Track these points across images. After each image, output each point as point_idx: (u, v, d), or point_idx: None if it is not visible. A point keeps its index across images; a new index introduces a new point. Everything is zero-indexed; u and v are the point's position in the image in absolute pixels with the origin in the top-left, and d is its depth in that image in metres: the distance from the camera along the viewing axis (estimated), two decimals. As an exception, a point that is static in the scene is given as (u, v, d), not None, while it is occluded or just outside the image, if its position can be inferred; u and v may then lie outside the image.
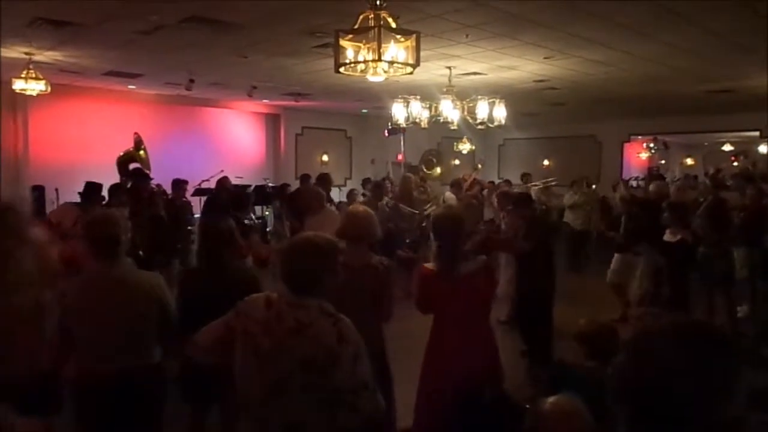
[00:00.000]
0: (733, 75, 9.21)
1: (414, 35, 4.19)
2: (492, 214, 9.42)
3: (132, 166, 8.43)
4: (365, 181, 12.08)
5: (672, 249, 5.80)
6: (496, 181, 12.77)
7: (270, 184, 12.73)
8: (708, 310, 6.59)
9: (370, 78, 4.39)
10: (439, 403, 3.28)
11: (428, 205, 10.20)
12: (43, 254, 0.96)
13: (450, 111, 7.99)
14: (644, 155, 17.69)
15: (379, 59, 4.05)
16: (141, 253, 5.39)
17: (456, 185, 11.09)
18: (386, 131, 12.91)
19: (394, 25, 4.12)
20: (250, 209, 6.92)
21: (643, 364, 1.22)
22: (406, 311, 3.78)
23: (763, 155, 15.83)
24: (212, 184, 10.59)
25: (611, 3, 5.60)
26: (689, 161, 20.83)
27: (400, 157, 13.53)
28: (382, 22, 4.03)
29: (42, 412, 1.52)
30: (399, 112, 7.97)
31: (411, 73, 4.37)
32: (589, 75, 9.15)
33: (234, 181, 9.58)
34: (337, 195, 11.21)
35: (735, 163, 18.39)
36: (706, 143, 20.13)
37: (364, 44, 4.13)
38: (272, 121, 14.90)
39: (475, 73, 8.92)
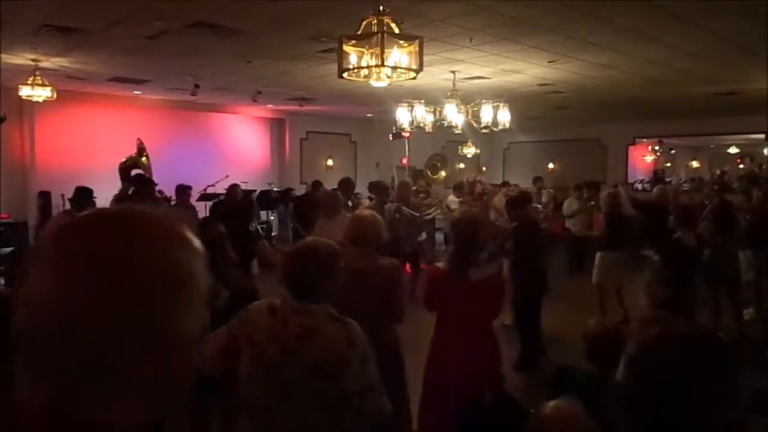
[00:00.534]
0: (738, 77, 9.18)
1: (417, 40, 4.21)
2: (495, 216, 9.42)
3: (134, 172, 8.47)
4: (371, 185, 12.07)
5: (678, 252, 5.78)
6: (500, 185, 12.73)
7: (275, 189, 12.77)
8: (714, 313, 6.58)
9: (374, 83, 4.41)
10: (442, 405, 3.28)
11: (432, 209, 10.22)
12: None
13: (454, 115, 7.99)
14: (649, 158, 17.66)
15: (382, 64, 4.07)
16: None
17: (458, 188, 11.10)
18: (390, 135, 12.93)
19: (397, 31, 4.14)
20: (255, 216, 6.93)
21: (645, 368, 1.22)
22: (407, 313, 3.79)
23: (768, 158, 15.79)
24: (217, 190, 10.66)
25: (614, 6, 5.59)
26: (695, 164, 20.79)
27: (404, 161, 13.54)
28: (385, 28, 4.04)
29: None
30: (403, 116, 7.98)
31: (414, 78, 4.39)
32: (593, 78, 9.14)
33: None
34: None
35: (741, 166, 18.35)
36: (711, 146, 20.08)
37: (367, 49, 4.15)
38: (277, 126, 14.94)
39: (479, 77, 8.92)
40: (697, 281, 5.99)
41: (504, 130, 8.25)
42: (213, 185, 10.92)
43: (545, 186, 12.10)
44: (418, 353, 3.61)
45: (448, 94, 8.13)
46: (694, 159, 20.92)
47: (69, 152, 11.10)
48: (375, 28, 4.08)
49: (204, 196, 10.71)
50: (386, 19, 4.06)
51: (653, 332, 1.30)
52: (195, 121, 13.06)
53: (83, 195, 6.42)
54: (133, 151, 9.03)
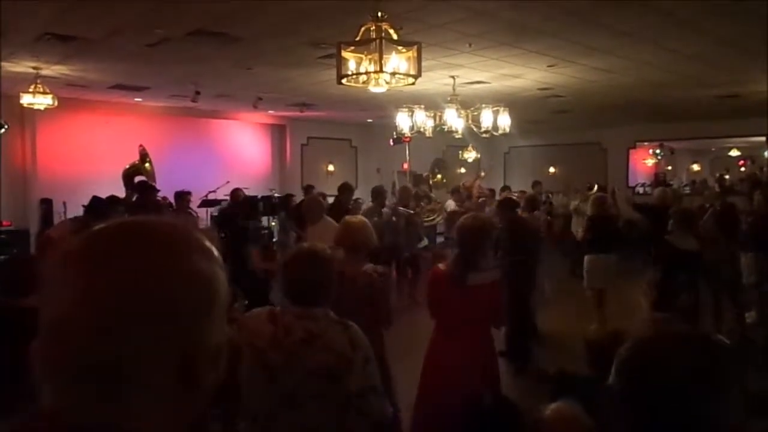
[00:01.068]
0: (739, 80, 9.18)
1: (415, 46, 4.23)
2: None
3: (137, 179, 8.48)
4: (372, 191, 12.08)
5: (672, 255, 5.77)
6: (499, 190, 12.72)
7: (276, 195, 12.78)
8: (716, 316, 6.56)
9: (372, 89, 4.43)
10: (439, 408, 3.29)
11: (435, 215, 10.23)
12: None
13: (454, 120, 8.01)
14: (650, 161, 17.64)
15: (381, 70, 4.08)
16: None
17: (456, 192, 11.10)
18: (391, 140, 12.95)
19: (395, 37, 4.16)
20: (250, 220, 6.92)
21: (645, 371, 1.22)
22: (407, 316, 3.80)
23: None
24: (219, 196, 10.68)
25: (614, 11, 5.61)
26: (696, 167, 20.76)
27: (405, 166, 13.56)
28: (383, 34, 4.06)
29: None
30: (404, 121, 8.00)
31: (413, 83, 4.40)
32: (593, 82, 9.15)
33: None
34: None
35: (742, 168, 18.33)
36: (712, 149, 20.05)
37: (366, 55, 4.17)
38: (278, 132, 14.96)
39: (478, 82, 8.94)
40: (699, 284, 5.98)
41: (504, 135, 8.26)
42: (214, 191, 10.94)
43: (543, 190, 12.15)
44: (416, 357, 3.62)
45: (448, 98, 8.14)
46: (695, 162, 20.89)
47: (70, 160, 11.13)
48: (373, 35, 4.09)
49: (206, 202, 10.73)
50: (384, 26, 4.08)
51: (644, 335, 1.30)
52: (196, 127, 13.09)
53: (103, 205, 6.19)
54: (134, 157, 9.04)
